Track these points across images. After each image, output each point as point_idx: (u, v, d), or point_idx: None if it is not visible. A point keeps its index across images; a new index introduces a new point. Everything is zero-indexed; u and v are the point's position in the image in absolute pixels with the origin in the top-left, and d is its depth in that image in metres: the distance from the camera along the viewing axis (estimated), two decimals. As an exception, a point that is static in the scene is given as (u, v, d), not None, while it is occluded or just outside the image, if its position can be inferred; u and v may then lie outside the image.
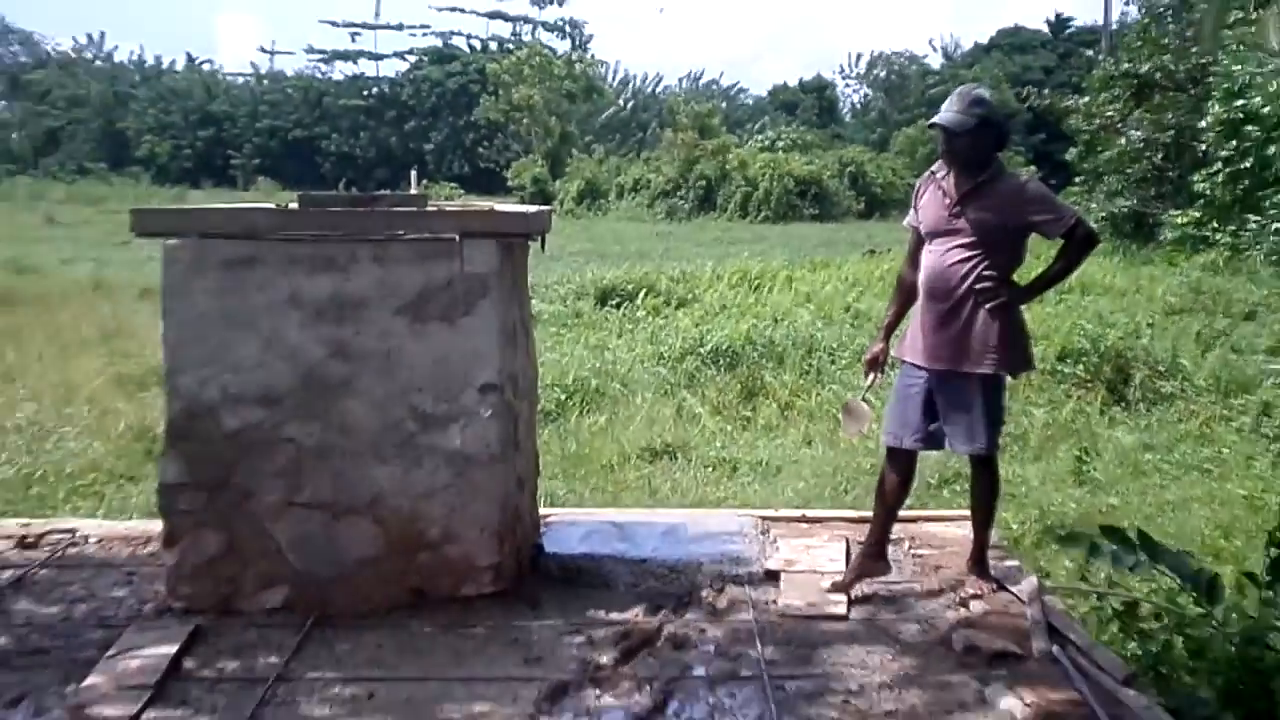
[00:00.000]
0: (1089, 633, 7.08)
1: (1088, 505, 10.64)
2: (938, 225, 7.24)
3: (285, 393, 7.15)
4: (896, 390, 7.55)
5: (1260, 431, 12.76)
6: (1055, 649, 6.42)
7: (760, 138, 65.84)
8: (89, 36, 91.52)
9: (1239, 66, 23.12)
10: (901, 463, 7.57)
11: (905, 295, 7.65)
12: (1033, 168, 42.08)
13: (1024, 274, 7.38)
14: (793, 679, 6.26)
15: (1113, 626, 7.57)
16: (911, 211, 7.59)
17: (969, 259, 7.10)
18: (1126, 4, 41.43)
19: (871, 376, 8.02)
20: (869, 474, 10.57)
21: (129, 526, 8.98)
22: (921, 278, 7.32)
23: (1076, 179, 34.23)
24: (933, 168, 7.51)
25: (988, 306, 7.09)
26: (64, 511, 10.28)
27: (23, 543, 8.53)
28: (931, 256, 7.26)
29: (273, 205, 8.03)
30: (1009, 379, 7.47)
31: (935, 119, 7.19)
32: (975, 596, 7.24)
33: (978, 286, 7.08)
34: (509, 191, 59.07)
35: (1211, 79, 25.76)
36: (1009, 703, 5.90)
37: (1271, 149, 19.16)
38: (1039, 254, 7.57)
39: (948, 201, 7.20)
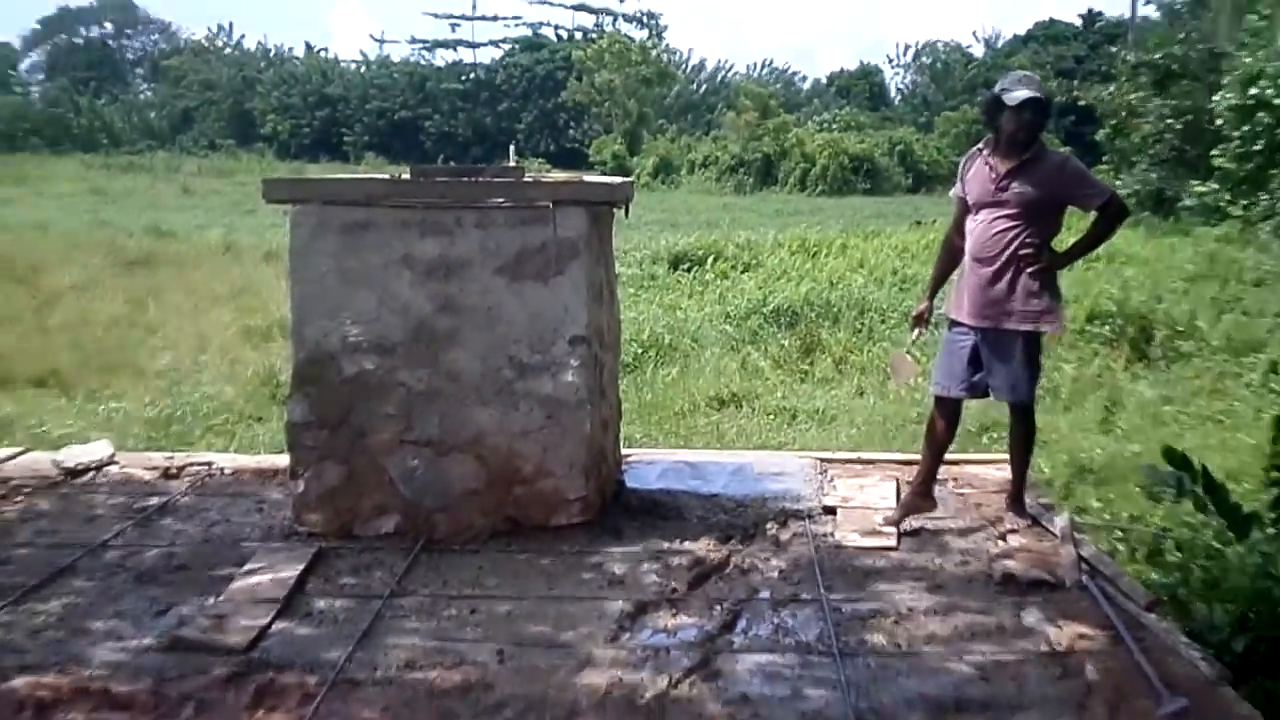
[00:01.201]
0: (1116, 564, 7.04)
1: (1113, 451, 10.57)
2: (984, 197, 7.22)
3: (397, 342, 7.18)
4: (945, 345, 7.53)
5: (1268, 387, 12.65)
6: (1085, 579, 6.38)
7: (817, 119, 65.51)
8: (220, 26, 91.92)
9: (1250, 58, 22.93)
10: (948, 410, 7.59)
11: (949, 259, 7.63)
12: (1066, 148, 41.75)
13: (1059, 243, 7.35)
14: (848, 603, 6.24)
15: (1138, 558, 7.54)
16: (958, 184, 7.55)
17: (1013, 228, 7.10)
18: (1146, 2, 41.30)
19: (917, 332, 8.03)
20: (916, 422, 10.54)
21: (258, 460, 9.04)
22: (969, 245, 7.30)
23: (1104, 158, 33.98)
24: (979, 145, 7.49)
25: (1029, 271, 7.08)
26: (200, 447, 10.37)
27: (166, 473, 8.59)
28: (979, 225, 7.24)
29: (386, 176, 8.05)
30: (1044, 338, 7.45)
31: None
32: (1012, 531, 7.21)
33: (1021, 253, 7.08)
34: (591, 167, 58.94)
35: (1225, 68, 25.55)
36: (1043, 627, 5.88)
37: (1277, 132, 19.02)
38: (1070, 226, 7.52)
39: (994, 176, 7.19)
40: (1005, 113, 7.17)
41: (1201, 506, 7.22)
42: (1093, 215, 7.30)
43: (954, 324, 7.45)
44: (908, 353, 7.75)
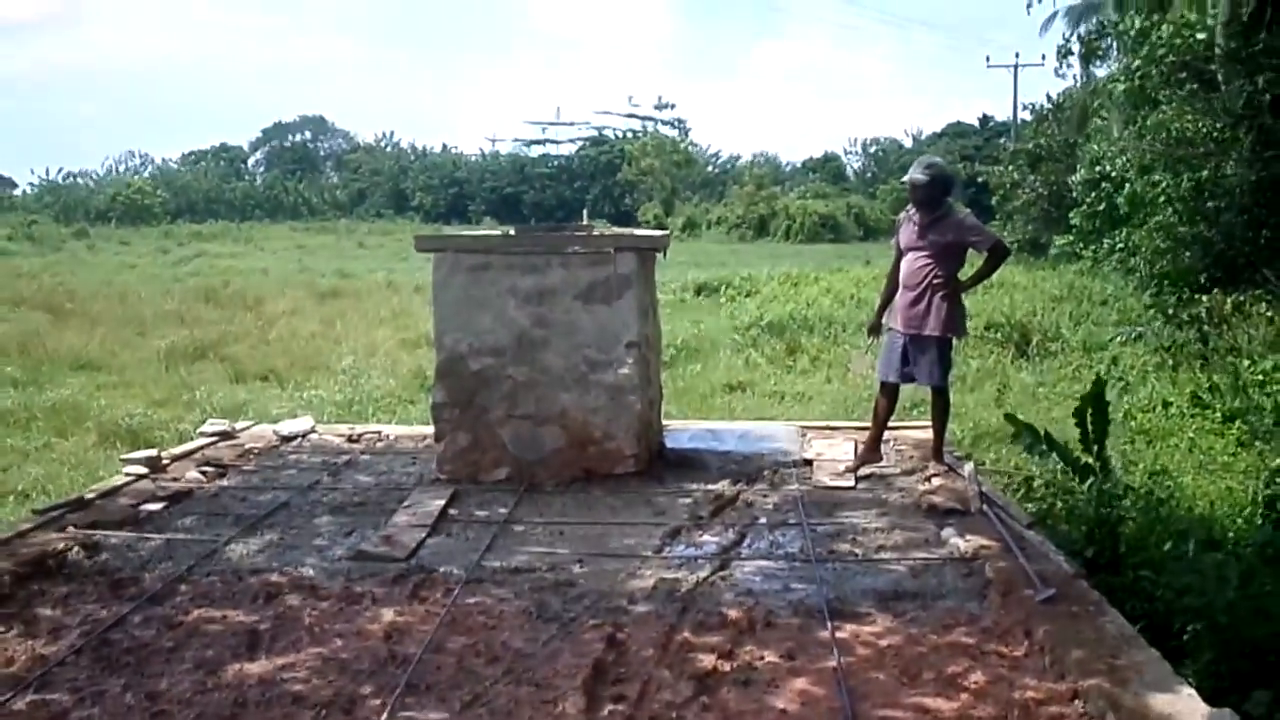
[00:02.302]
0: (1005, 497, 7.01)
1: (1003, 421, 10.53)
2: (910, 243, 7.32)
3: (506, 347, 7.21)
4: (885, 345, 7.57)
5: (1111, 375, 12.54)
6: (985, 507, 6.37)
7: (797, 190, 65.18)
8: (384, 133, 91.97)
9: (1095, 146, 22.84)
10: (889, 391, 7.62)
11: (890, 289, 7.64)
12: (968, 210, 41.45)
13: (962, 275, 7.38)
14: (821, 525, 6.23)
15: (1018, 494, 7.51)
16: (895, 238, 7.65)
17: (929, 265, 7.21)
18: (1024, 108, 41.31)
19: (870, 339, 8.08)
20: (867, 400, 10.46)
21: (413, 429, 9.07)
22: (901, 276, 7.35)
23: (995, 218, 33.82)
24: (907, 209, 7.55)
25: (940, 294, 7.14)
26: (373, 421, 10.38)
27: (350, 439, 8.65)
28: (906, 263, 7.34)
29: (499, 232, 8.09)
30: (954, 340, 7.48)
31: (905, 176, 7.38)
32: (935, 475, 7.17)
33: (934, 282, 7.16)
34: (638, 225, 58.93)
35: (1078, 153, 25.44)
36: (956, 540, 5.86)
37: (1118, 199, 18.95)
38: (972, 263, 7.53)
39: (916, 229, 7.27)
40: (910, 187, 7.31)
41: (1044, 456, 7.25)
42: (984, 256, 7.36)
43: (891, 330, 7.47)
44: (866, 352, 7.72)
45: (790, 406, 11.97)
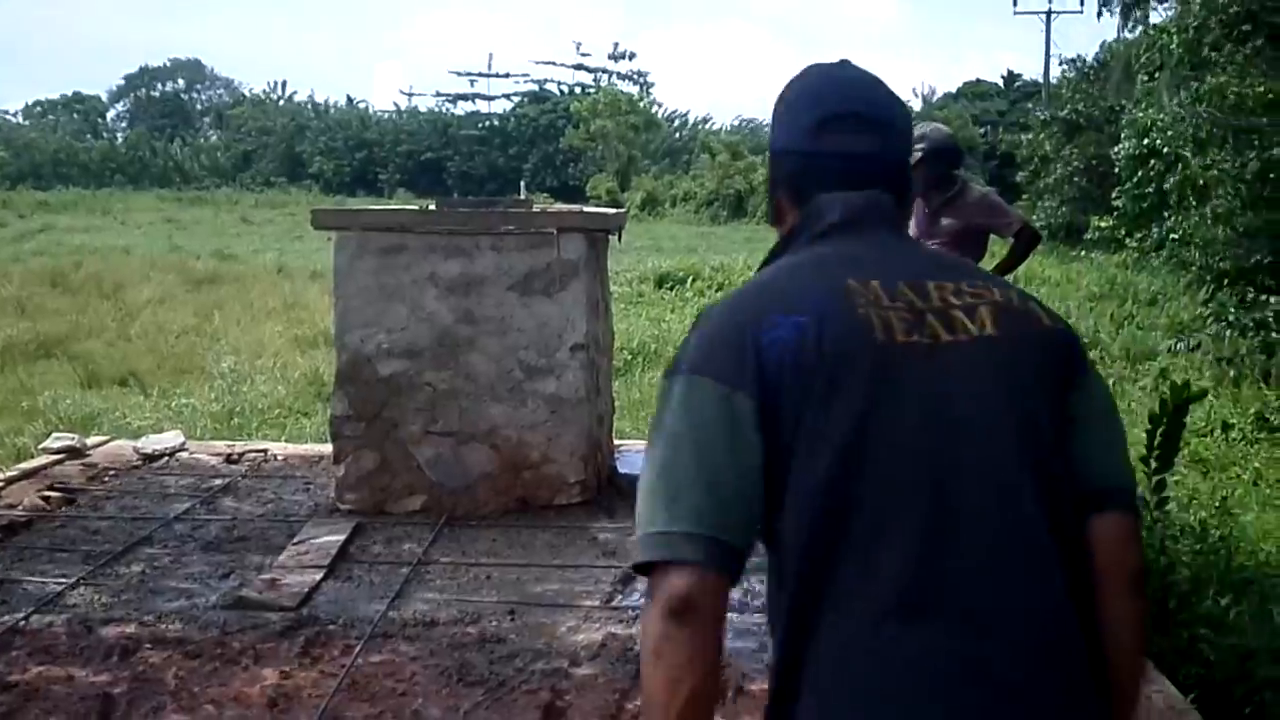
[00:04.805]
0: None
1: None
2: (922, 232, 7.31)
3: (424, 348, 7.18)
4: None
5: (1159, 390, 12.64)
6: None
7: (780, 162, 65.45)
8: (276, 82, 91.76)
9: (1142, 114, 23.07)
10: None
11: None
12: (991, 187, 41.85)
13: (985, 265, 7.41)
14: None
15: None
16: None
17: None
18: (1060, 64, 41.50)
19: None
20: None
21: (306, 448, 9.03)
22: None
23: (1023, 196, 34.13)
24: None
25: None
26: (257, 437, 10.33)
27: (228, 459, 8.58)
28: None
29: (416, 207, 8.07)
30: None
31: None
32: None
33: None
34: (587, 200, 58.82)
35: (1124, 121, 25.69)
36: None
37: (1167, 178, 19.15)
38: (993, 251, 7.59)
39: (927, 213, 7.29)
40: None
41: None
42: (1009, 241, 7.39)
43: None
44: None
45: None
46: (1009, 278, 9.73)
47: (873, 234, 2.08)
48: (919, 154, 7.26)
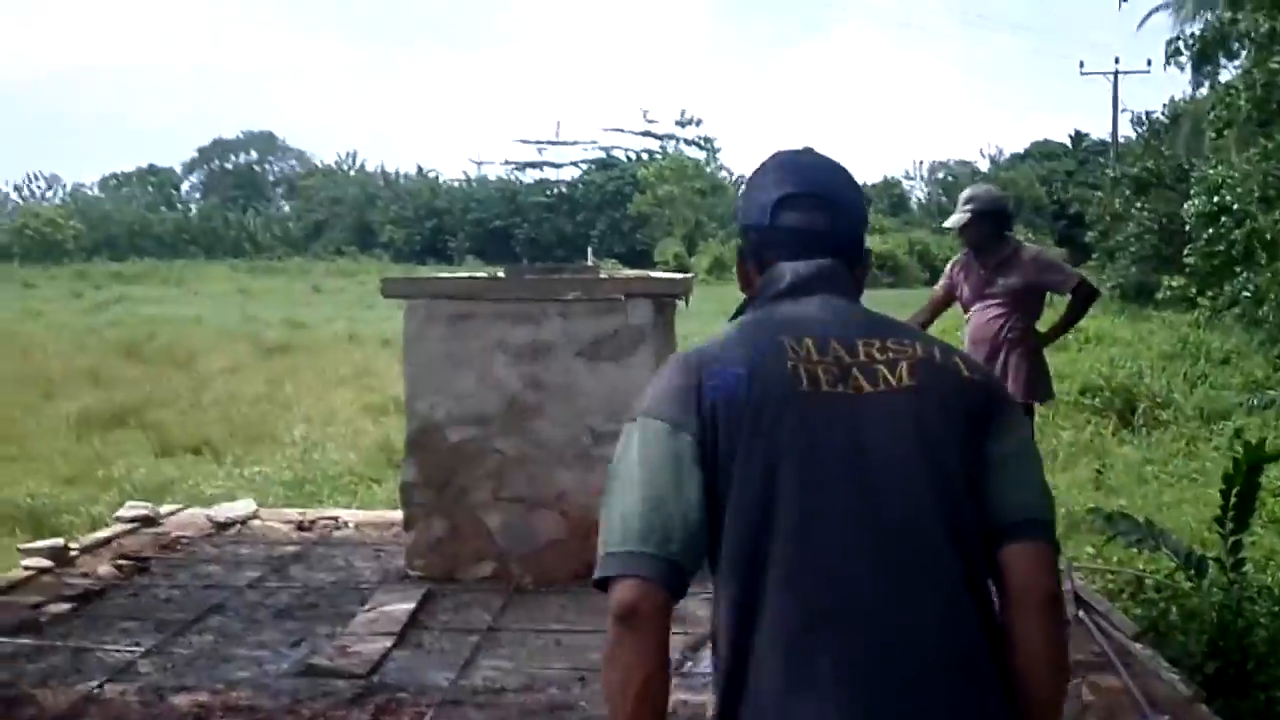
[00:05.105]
0: (1106, 601, 6.96)
1: (1104, 505, 10.48)
2: (977, 293, 7.41)
3: (493, 414, 7.20)
4: None
5: (1233, 449, 12.50)
6: (1081, 613, 6.33)
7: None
8: (346, 153, 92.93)
9: (1212, 171, 22.94)
10: None
11: (931, 310, 7.89)
12: (1061, 249, 41.79)
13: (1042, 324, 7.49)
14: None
15: (1123, 596, 7.47)
16: (945, 279, 7.87)
17: (1000, 315, 7.32)
18: (1130, 122, 41.52)
19: None
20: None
21: (377, 515, 9.06)
22: (968, 333, 7.42)
23: (1093, 256, 33.97)
24: (964, 252, 7.68)
25: (1018, 352, 7.23)
26: (329, 504, 10.38)
27: (300, 526, 8.64)
28: (975, 316, 7.47)
29: (485, 274, 8.12)
30: (1037, 406, 7.53)
31: (948, 222, 7.57)
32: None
33: (1009, 335, 7.22)
34: (654, 266, 58.91)
35: (1193, 179, 25.54)
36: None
37: (1236, 234, 19.01)
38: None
39: (983, 274, 7.34)
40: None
41: (1154, 550, 7.19)
42: (1067, 299, 7.45)
43: None
44: None
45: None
46: (1079, 338, 9.82)
47: (819, 297, 2.38)
48: (968, 215, 7.37)
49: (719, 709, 2.22)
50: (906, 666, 2.08)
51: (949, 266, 7.91)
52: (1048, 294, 7.58)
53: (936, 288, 7.90)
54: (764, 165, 2.59)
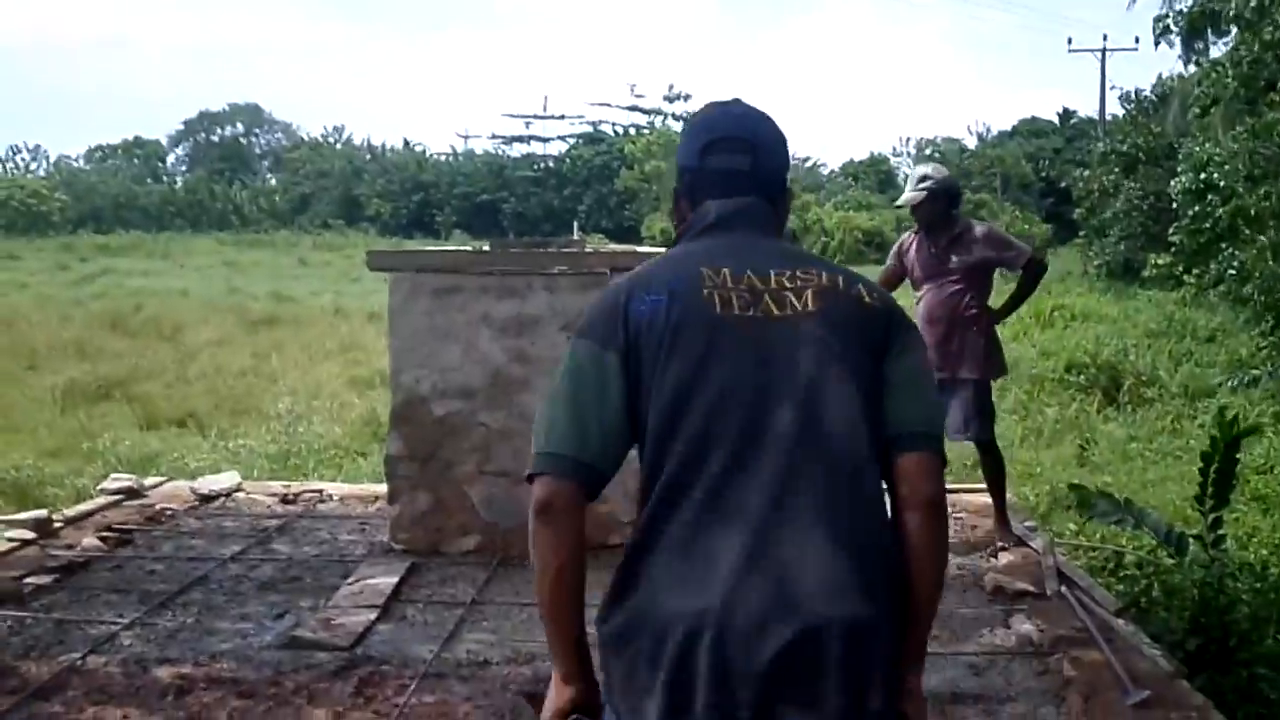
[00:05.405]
0: (1088, 577, 6.99)
1: (1088, 482, 10.52)
2: (930, 271, 7.44)
3: (478, 388, 7.20)
4: None
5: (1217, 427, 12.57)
6: (1063, 589, 6.36)
7: (835, 199, 65.33)
8: (333, 126, 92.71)
9: (1199, 148, 22.93)
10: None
11: None
12: (1048, 225, 41.75)
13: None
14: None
15: (1105, 573, 7.50)
16: (893, 260, 7.82)
17: (957, 292, 7.34)
18: (1118, 99, 41.44)
19: None
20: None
21: (362, 488, 9.06)
22: (922, 310, 7.41)
23: (1080, 233, 34.01)
24: (909, 233, 7.80)
25: (974, 328, 7.35)
26: (314, 477, 10.39)
27: (284, 499, 8.64)
28: (928, 295, 7.47)
29: (470, 248, 8.13)
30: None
31: (899, 201, 7.60)
32: (1002, 549, 7.17)
33: (966, 314, 7.27)
34: (641, 241, 58.74)
35: (1180, 156, 25.53)
36: (1027, 628, 5.84)
37: (1222, 212, 19.02)
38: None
39: (934, 252, 7.37)
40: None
41: (1136, 528, 7.22)
42: (1018, 274, 7.53)
43: None
44: None
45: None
46: (1067, 316, 9.84)
47: (739, 232, 2.71)
48: (924, 192, 7.37)
49: (617, 579, 2.53)
50: (776, 568, 2.36)
51: (896, 246, 7.90)
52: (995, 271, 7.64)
53: (884, 269, 7.89)
54: (698, 113, 2.93)
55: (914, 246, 7.60)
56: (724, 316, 2.52)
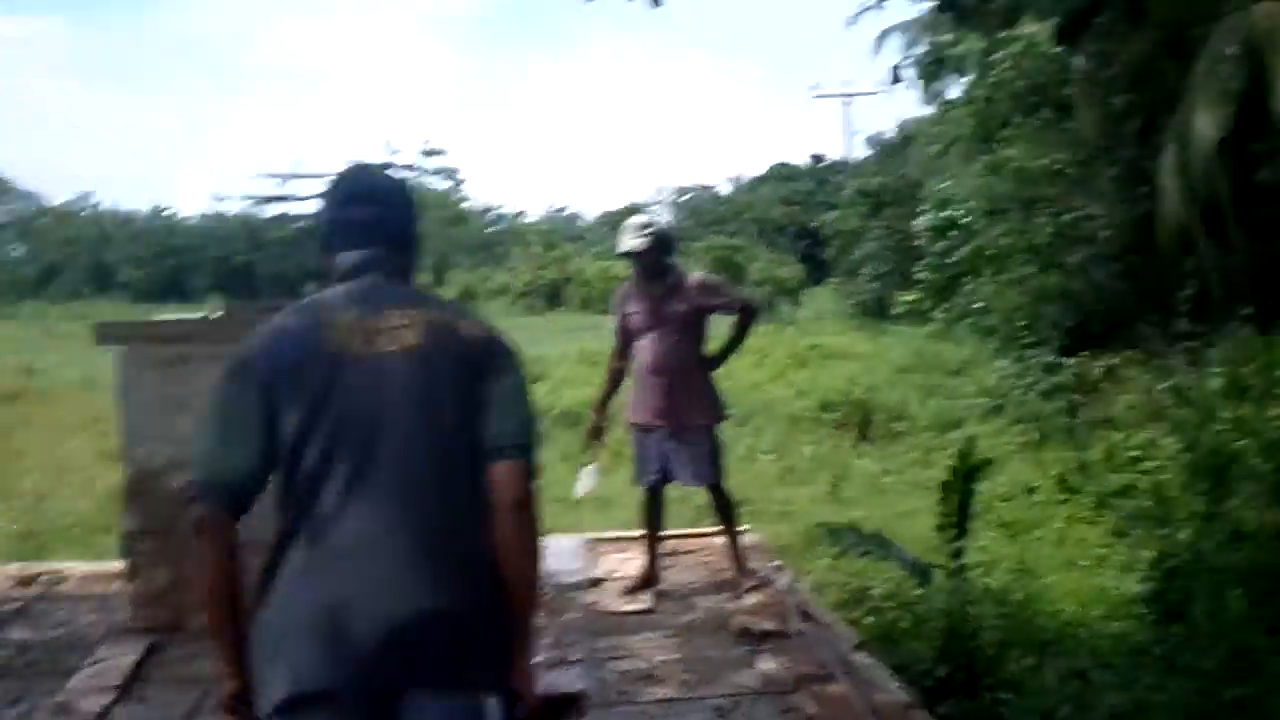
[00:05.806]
0: (837, 613, 7.15)
1: (841, 518, 10.75)
2: (650, 321, 7.47)
3: (216, 459, 7.06)
4: (636, 446, 7.69)
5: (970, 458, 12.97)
6: (805, 626, 6.50)
7: (594, 250, 65.92)
8: (80, 194, 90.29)
9: (941, 186, 23.73)
10: (653, 495, 7.74)
11: (614, 381, 7.92)
12: (801, 265, 42.64)
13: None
14: (610, 659, 6.26)
15: (854, 606, 7.68)
16: (619, 317, 7.82)
17: (678, 340, 7.42)
18: (867, 145, 42.90)
19: (595, 444, 8.12)
20: (678, 501, 10.47)
21: (104, 566, 8.78)
22: (644, 360, 7.51)
23: (833, 273, 34.84)
24: (625, 284, 7.86)
25: (699, 375, 7.50)
26: (59, 556, 10.08)
27: (21, 581, 8.37)
28: (649, 344, 7.48)
29: (203, 314, 8.00)
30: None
31: (623, 248, 7.57)
32: (748, 590, 7.29)
33: (690, 362, 7.46)
34: (405, 297, 58.34)
35: (924, 195, 26.37)
36: (772, 667, 5.95)
37: (967, 248, 19.71)
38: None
39: (651, 305, 7.44)
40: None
41: (885, 559, 7.44)
42: (734, 320, 7.68)
43: (639, 427, 7.62)
44: (593, 465, 7.77)
45: (584, 514, 11.97)
46: (820, 355, 10.01)
47: (367, 277, 3.10)
48: (650, 238, 7.44)
49: (258, 584, 2.99)
50: (381, 564, 2.83)
51: (617, 300, 7.96)
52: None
53: (617, 329, 7.85)
54: (336, 175, 3.34)
55: (632, 298, 7.67)
56: (342, 355, 2.94)
